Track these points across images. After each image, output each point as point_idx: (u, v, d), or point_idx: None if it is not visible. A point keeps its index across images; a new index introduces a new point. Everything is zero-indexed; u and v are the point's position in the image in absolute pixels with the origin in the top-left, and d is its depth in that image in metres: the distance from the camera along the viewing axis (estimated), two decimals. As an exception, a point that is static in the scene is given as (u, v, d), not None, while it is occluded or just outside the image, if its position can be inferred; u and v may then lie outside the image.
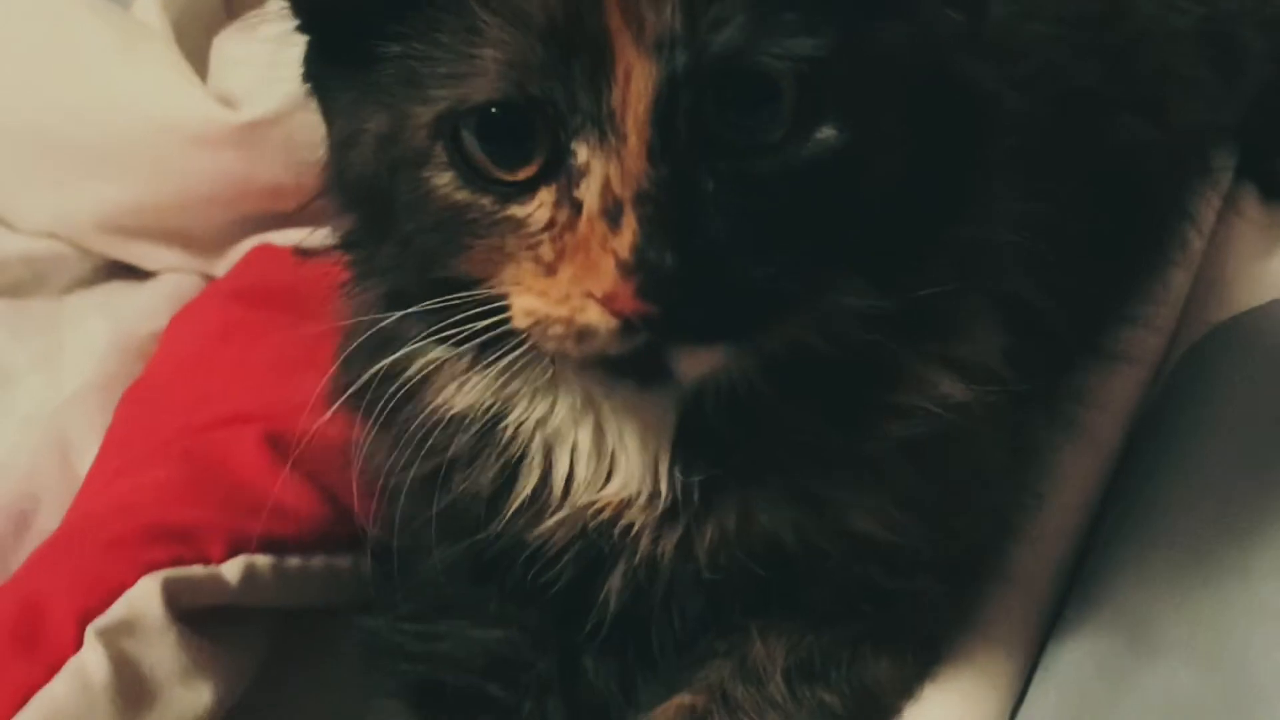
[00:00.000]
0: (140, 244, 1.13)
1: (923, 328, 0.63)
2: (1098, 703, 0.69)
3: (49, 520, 0.87)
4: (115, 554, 0.72)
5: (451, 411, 0.65)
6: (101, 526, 0.76)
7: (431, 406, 0.65)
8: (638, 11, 0.51)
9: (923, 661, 0.72)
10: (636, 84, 0.51)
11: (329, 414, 0.70)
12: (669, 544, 0.65)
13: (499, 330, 0.57)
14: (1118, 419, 0.89)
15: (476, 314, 0.57)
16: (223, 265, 1.12)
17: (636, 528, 0.65)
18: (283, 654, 0.77)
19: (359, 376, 0.67)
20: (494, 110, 0.53)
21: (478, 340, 0.58)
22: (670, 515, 0.65)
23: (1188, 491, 0.80)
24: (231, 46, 1.15)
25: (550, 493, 0.66)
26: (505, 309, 0.56)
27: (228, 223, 1.10)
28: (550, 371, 0.61)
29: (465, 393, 0.64)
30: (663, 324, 0.52)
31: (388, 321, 0.64)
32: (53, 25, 1.12)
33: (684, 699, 0.69)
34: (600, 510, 0.65)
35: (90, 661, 0.67)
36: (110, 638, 0.69)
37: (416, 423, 0.65)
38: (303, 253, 0.91)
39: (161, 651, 0.69)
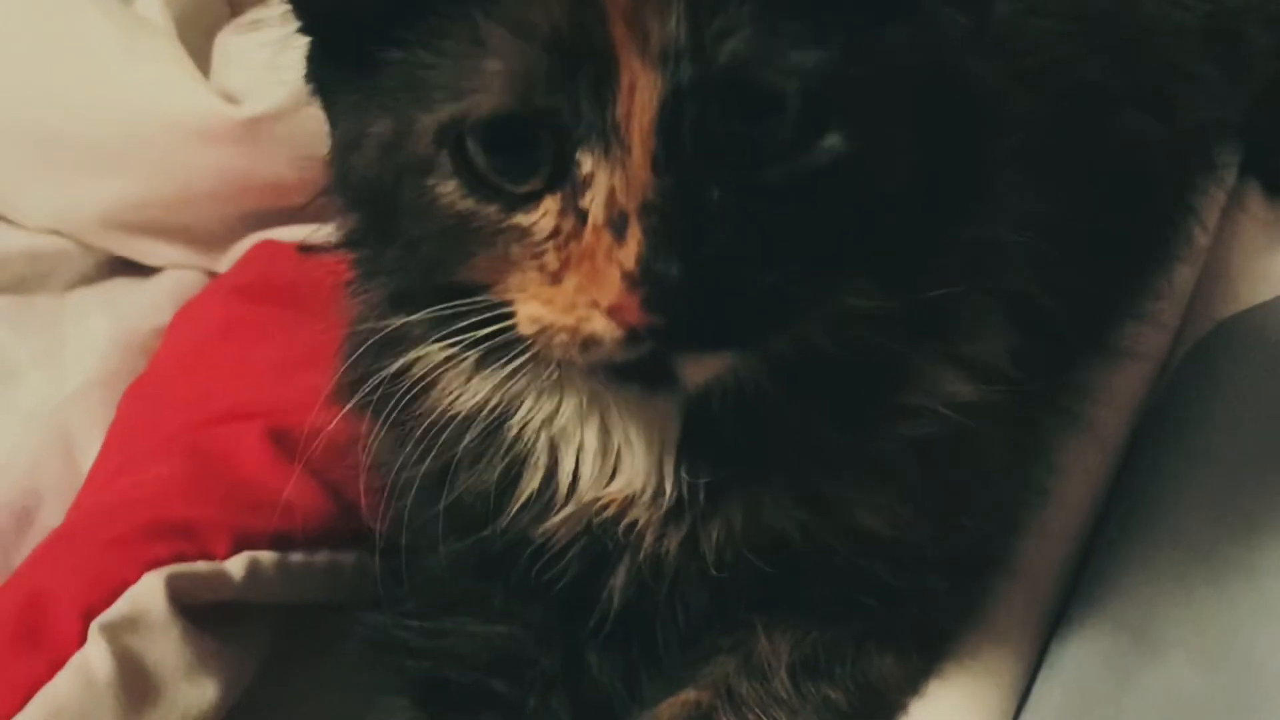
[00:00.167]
0: (143, 240, 1.13)
1: (930, 327, 0.63)
2: (1102, 700, 0.69)
3: (52, 517, 0.87)
4: (119, 550, 0.72)
5: (457, 411, 0.65)
6: (105, 523, 0.75)
7: (437, 406, 0.65)
8: (643, 23, 0.51)
9: (927, 658, 0.72)
10: (641, 96, 0.51)
11: (334, 413, 0.70)
12: (674, 541, 0.65)
13: (504, 336, 0.57)
14: (1123, 415, 0.89)
15: (482, 320, 0.57)
16: (225, 261, 1.12)
17: (640, 525, 0.65)
18: (286, 650, 0.77)
19: (364, 376, 0.67)
20: (498, 121, 0.53)
21: (483, 346, 0.58)
22: (675, 513, 0.65)
23: (1193, 488, 0.80)
24: (234, 42, 1.15)
25: (556, 490, 0.65)
26: (510, 315, 0.56)
27: (230, 219, 1.10)
28: (556, 373, 0.61)
29: (471, 393, 0.64)
30: (668, 333, 0.52)
31: (393, 321, 0.65)
32: (55, 21, 1.12)
33: (689, 695, 0.69)
34: (605, 507, 0.65)
35: (94, 657, 0.67)
36: (114, 634, 0.68)
37: (422, 422, 0.65)
38: (306, 249, 0.91)
39: (165, 647, 0.69)
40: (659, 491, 0.64)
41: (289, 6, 0.58)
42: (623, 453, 0.64)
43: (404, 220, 0.58)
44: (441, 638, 0.73)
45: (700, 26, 0.50)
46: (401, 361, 0.63)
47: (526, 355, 0.57)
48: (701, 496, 0.64)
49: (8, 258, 1.13)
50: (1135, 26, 0.89)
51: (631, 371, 0.55)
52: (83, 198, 1.11)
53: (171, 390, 0.93)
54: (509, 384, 0.62)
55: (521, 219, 0.54)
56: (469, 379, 0.64)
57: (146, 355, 1.01)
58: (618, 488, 0.65)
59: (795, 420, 0.63)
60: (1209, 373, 0.91)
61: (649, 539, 0.65)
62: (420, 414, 0.65)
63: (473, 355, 0.61)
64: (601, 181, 0.52)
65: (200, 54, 1.12)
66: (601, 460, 0.65)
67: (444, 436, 0.64)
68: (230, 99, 1.06)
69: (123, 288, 1.13)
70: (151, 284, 1.12)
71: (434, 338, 0.61)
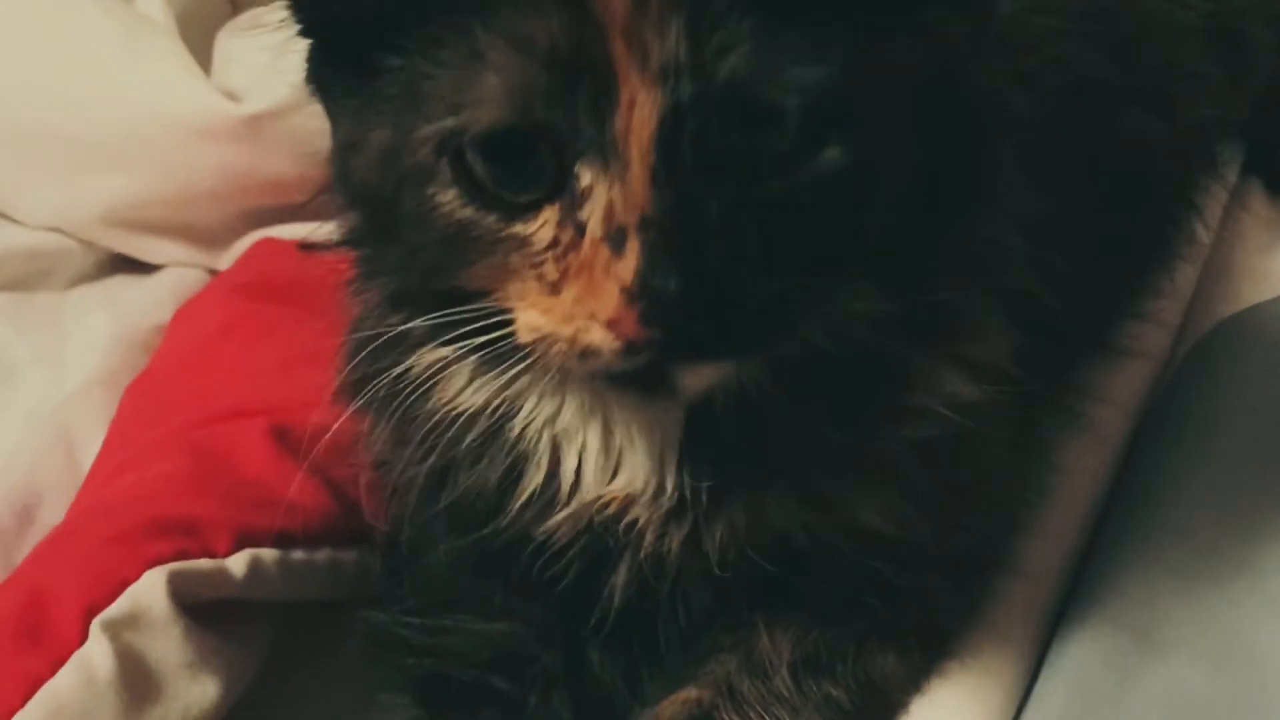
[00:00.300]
0: (144, 238, 1.13)
1: (932, 328, 0.63)
2: (1105, 699, 0.69)
3: (53, 514, 0.87)
4: (120, 547, 0.72)
5: (459, 411, 0.65)
6: (106, 520, 0.75)
7: (439, 406, 0.65)
8: (642, 40, 0.50)
9: (929, 656, 0.72)
10: (640, 112, 0.51)
11: (336, 411, 0.70)
12: (675, 540, 0.65)
13: (504, 343, 0.57)
14: (1124, 414, 0.89)
15: (481, 327, 0.57)
16: (226, 259, 1.12)
17: (641, 523, 0.65)
18: (288, 648, 0.77)
19: (366, 375, 0.67)
20: (498, 134, 0.53)
21: (483, 351, 0.58)
22: (677, 512, 0.65)
23: (1194, 487, 0.80)
24: (235, 40, 1.15)
25: (558, 489, 0.65)
26: (509, 322, 0.56)
27: (231, 217, 1.10)
28: (557, 376, 0.61)
29: (472, 393, 0.64)
30: (666, 345, 0.52)
31: (394, 321, 0.65)
32: (56, 19, 1.12)
33: (690, 693, 0.69)
34: (606, 506, 0.65)
35: (95, 655, 0.67)
36: (115, 631, 0.68)
37: (424, 422, 0.65)
38: (307, 247, 0.91)
39: (167, 645, 0.69)
40: (660, 491, 0.64)
41: (289, 10, 0.58)
42: (624, 452, 0.64)
43: (404, 226, 0.58)
44: (442, 635, 0.73)
45: (700, 43, 0.50)
46: (403, 362, 0.63)
47: (526, 361, 0.57)
48: (704, 497, 0.64)
49: (9, 255, 1.13)
50: (1137, 25, 0.89)
51: (629, 379, 0.55)
52: (84, 196, 1.11)
53: (173, 388, 0.93)
54: (510, 386, 0.62)
55: (520, 229, 0.54)
56: (470, 380, 0.64)
57: (148, 353, 1.01)
58: (619, 486, 0.65)
59: (797, 421, 0.63)
60: (1210, 371, 0.91)
61: (650, 538, 0.65)
62: (422, 414, 0.65)
63: (473, 358, 0.61)
64: (600, 195, 0.52)
65: (201, 52, 1.12)
66: (604, 459, 0.65)
67: (446, 436, 0.65)
68: (231, 97, 1.07)
69: (123, 285, 1.13)
70: (152, 282, 1.12)
71: (435, 342, 0.61)
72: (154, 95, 1.07)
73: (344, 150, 0.60)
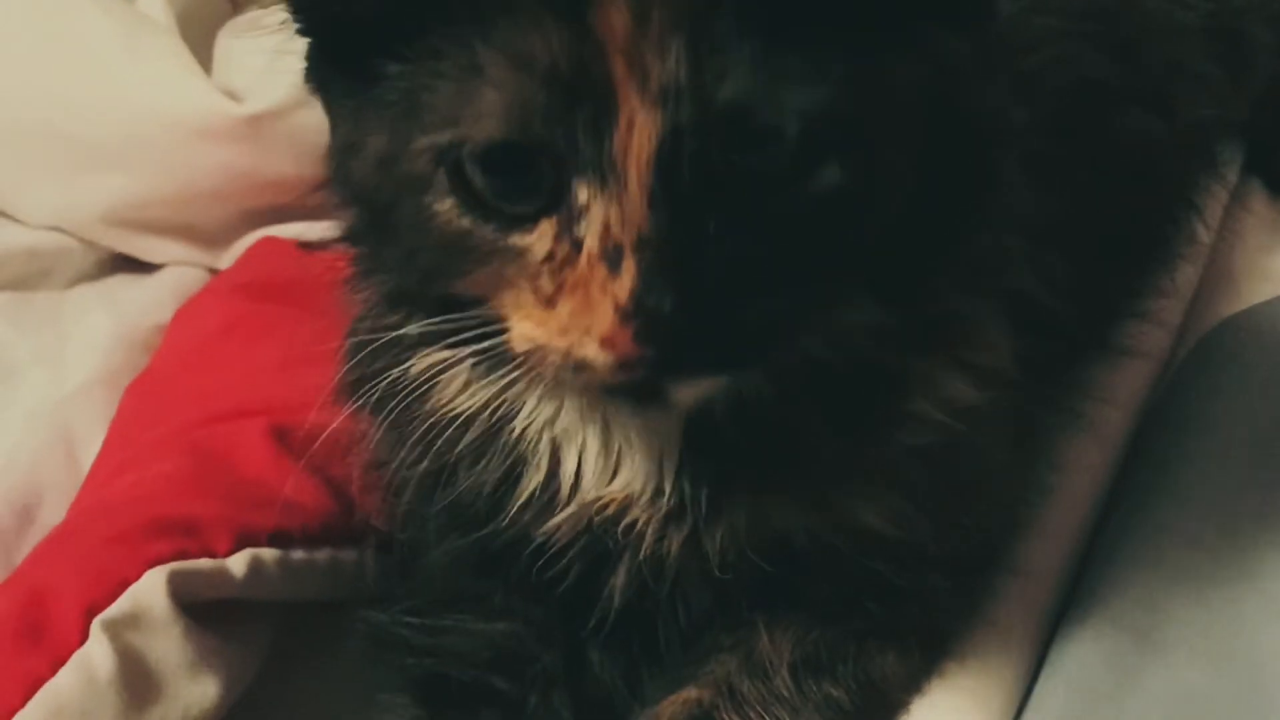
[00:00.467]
0: (145, 237, 1.13)
1: (932, 334, 0.63)
2: (1105, 699, 0.69)
3: (53, 514, 0.87)
4: (120, 547, 0.72)
5: (457, 413, 0.65)
6: (106, 520, 0.75)
7: (437, 407, 0.65)
8: (642, 61, 0.50)
9: (929, 656, 0.72)
10: (640, 134, 0.51)
11: (336, 411, 0.70)
12: (675, 542, 0.65)
13: (499, 350, 0.57)
14: (1125, 414, 0.89)
15: (477, 335, 0.58)
16: (227, 258, 1.12)
17: (640, 525, 0.65)
18: (288, 648, 0.77)
19: (364, 374, 0.67)
20: (496, 148, 0.53)
21: (479, 357, 0.58)
22: (677, 514, 0.65)
23: (1195, 487, 0.80)
24: (236, 40, 1.15)
25: (558, 489, 0.66)
26: (505, 330, 0.57)
27: (232, 216, 1.10)
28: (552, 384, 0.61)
29: (470, 395, 0.64)
30: (660, 363, 0.52)
31: (392, 320, 0.65)
32: (57, 18, 1.12)
33: (690, 693, 0.69)
34: (605, 507, 0.65)
35: (96, 654, 0.67)
36: (116, 631, 0.68)
37: (422, 423, 0.65)
38: (308, 246, 0.92)
39: (167, 645, 0.69)
40: (659, 493, 0.64)
41: (289, 11, 0.58)
42: (623, 453, 0.65)
43: (402, 230, 0.58)
44: (442, 635, 0.73)
45: (700, 65, 0.50)
46: (401, 364, 0.63)
47: (522, 367, 0.57)
48: (704, 500, 0.64)
49: (9, 255, 1.13)
50: (1137, 24, 0.89)
51: (623, 391, 0.55)
52: (84, 195, 1.11)
53: (173, 387, 0.93)
54: (508, 389, 0.62)
55: (517, 240, 0.54)
56: (468, 382, 0.64)
57: (148, 352, 1.01)
58: (617, 487, 0.65)
59: (796, 427, 0.63)
60: (1211, 371, 0.91)
61: (649, 539, 0.65)
62: (420, 415, 0.65)
63: (470, 361, 0.61)
64: (597, 213, 0.52)
65: (202, 51, 1.12)
66: (603, 461, 0.65)
67: (444, 437, 0.65)
68: (232, 96, 1.06)
69: (124, 285, 1.13)
70: (153, 281, 1.12)
71: (432, 345, 0.62)
72: (155, 95, 1.07)
73: (342, 150, 0.60)
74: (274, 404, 0.84)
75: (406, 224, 0.57)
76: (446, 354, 0.62)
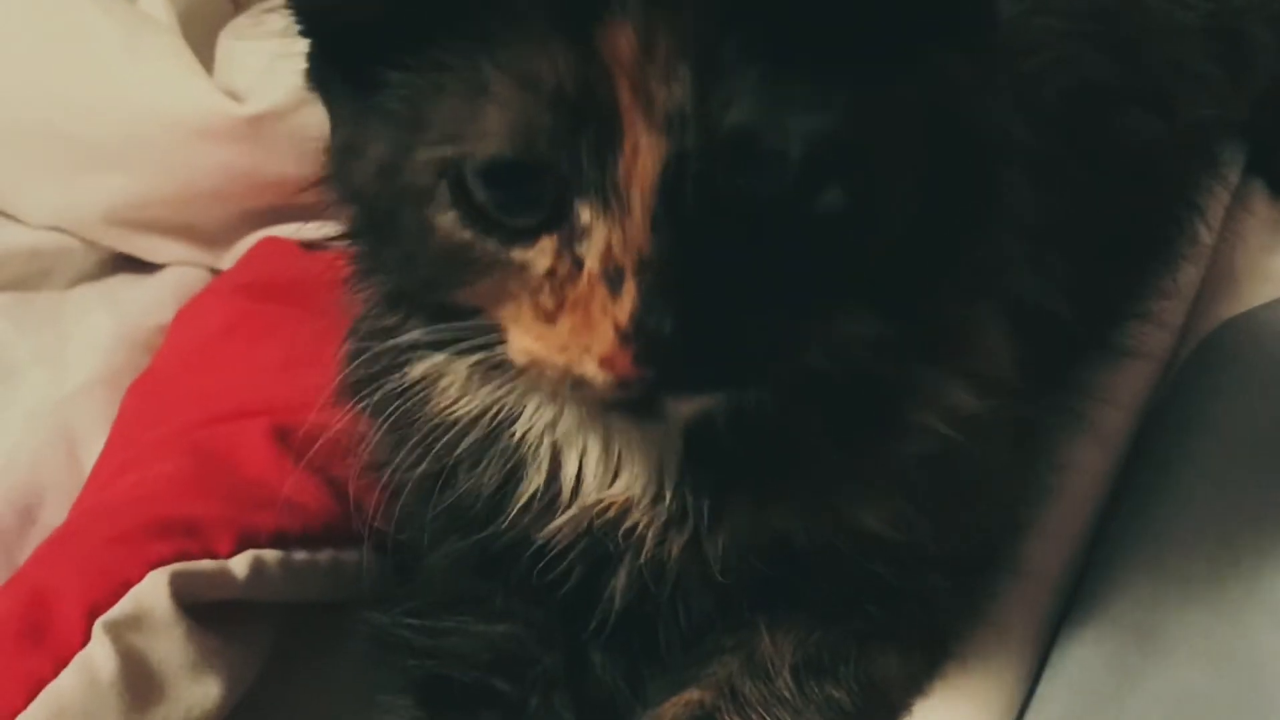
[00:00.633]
0: (146, 237, 1.13)
1: (933, 344, 0.63)
2: (1107, 701, 0.69)
3: (54, 514, 0.87)
4: (122, 548, 0.72)
5: (457, 416, 0.65)
6: (108, 520, 0.75)
7: (437, 410, 0.65)
8: (648, 87, 0.50)
9: (931, 657, 0.72)
10: (644, 159, 0.50)
11: (337, 412, 0.70)
12: (675, 546, 0.65)
13: (498, 359, 0.57)
14: (1127, 415, 0.89)
15: (476, 344, 0.58)
16: (228, 258, 1.12)
17: (640, 529, 0.65)
18: (289, 649, 0.77)
19: (364, 376, 0.67)
20: (499, 164, 0.52)
21: (478, 365, 0.59)
22: (678, 518, 0.65)
23: (1197, 488, 0.80)
24: (237, 40, 1.15)
25: (558, 492, 0.66)
26: (504, 340, 0.57)
27: (233, 216, 1.10)
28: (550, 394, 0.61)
29: (470, 399, 0.64)
30: (658, 382, 0.53)
31: (392, 321, 0.65)
32: (58, 18, 1.12)
33: (692, 695, 0.69)
34: (605, 510, 0.65)
35: (98, 656, 0.67)
36: (118, 632, 0.68)
37: (422, 425, 0.65)
38: (310, 245, 0.91)
39: (169, 646, 0.69)
40: (659, 497, 0.64)
41: (291, 15, 0.58)
42: (624, 457, 0.65)
43: (402, 238, 0.58)
44: (444, 637, 0.73)
45: (705, 91, 0.50)
46: (401, 367, 0.64)
47: (519, 377, 0.57)
48: (705, 506, 0.64)
49: (10, 254, 1.13)
50: (1138, 25, 0.89)
51: (620, 406, 0.55)
52: (85, 195, 1.11)
53: (175, 388, 0.93)
54: (507, 395, 0.63)
55: (518, 254, 0.54)
56: (467, 386, 0.64)
57: (149, 353, 1.01)
58: (617, 491, 0.65)
59: (797, 435, 0.63)
60: (1213, 372, 0.91)
61: (650, 543, 0.65)
62: (420, 417, 0.65)
63: (469, 366, 0.61)
64: (599, 235, 0.52)
65: (203, 51, 1.12)
66: (604, 464, 0.65)
67: (443, 440, 0.65)
68: (234, 96, 1.06)
69: (125, 285, 1.13)
70: (154, 281, 1.12)
71: (431, 350, 0.62)
72: (156, 94, 1.07)
73: (342, 150, 0.60)
74: (275, 404, 0.84)
75: (407, 233, 0.57)
76: (445, 359, 0.62)
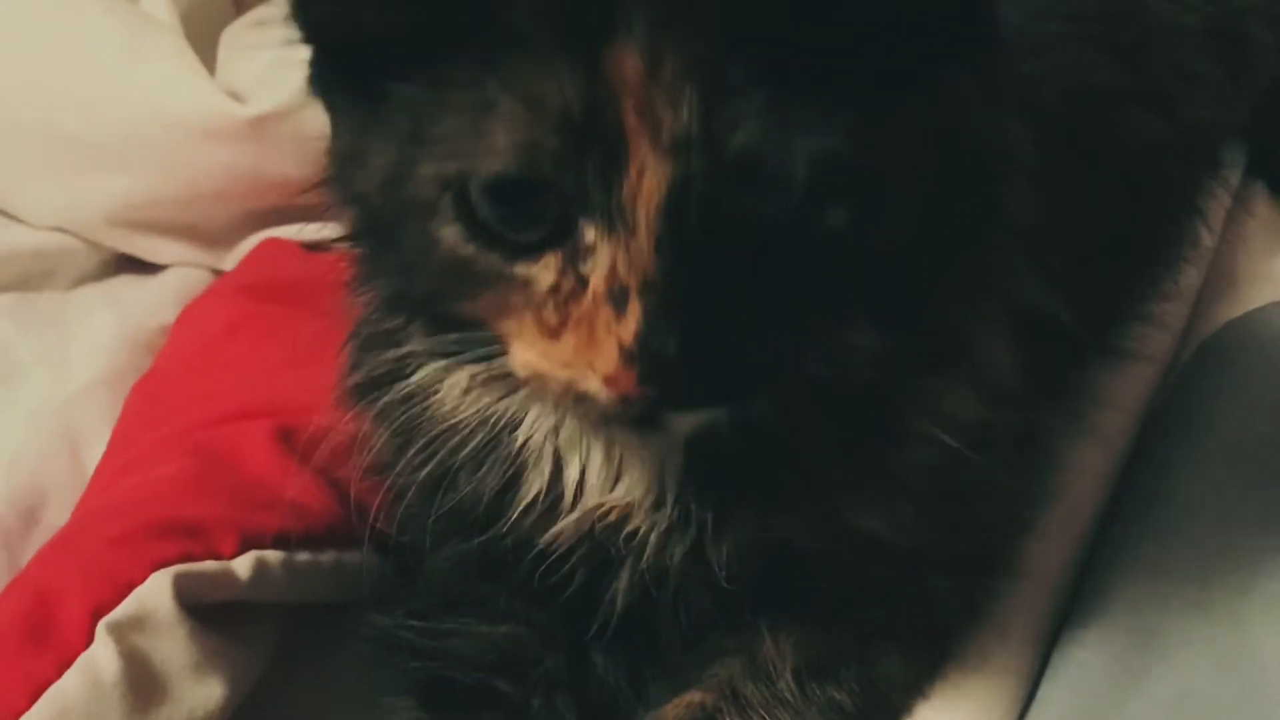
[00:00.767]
0: (148, 238, 1.13)
1: (934, 353, 0.64)
2: (1109, 702, 0.69)
3: (57, 515, 0.87)
4: (125, 549, 0.72)
5: (459, 420, 0.65)
6: (111, 521, 0.75)
7: (439, 414, 0.65)
8: (654, 110, 0.50)
9: (933, 659, 0.72)
10: (650, 182, 0.51)
11: (339, 413, 0.70)
12: (677, 550, 0.65)
13: (500, 370, 0.58)
14: (1128, 417, 0.89)
15: (479, 355, 0.58)
16: (231, 259, 1.12)
17: (642, 533, 0.65)
18: (292, 650, 0.77)
19: (366, 379, 0.67)
20: (504, 182, 0.52)
21: (480, 374, 0.59)
22: (680, 523, 0.65)
23: (1198, 489, 0.80)
24: (239, 40, 1.15)
25: (560, 496, 0.66)
26: (506, 351, 0.57)
27: (236, 217, 1.10)
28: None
29: (472, 404, 0.64)
30: (661, 399, 0.53)
31: (393, 325, 0.65)
32: (60, 18, 1.12)
33: (694, 696, 0.69)
34: (606, 514, 0.66)
35: (101, 657, 0.67)
36: (121, 633, 0.68)
37: (424, 428, 0.65)
38: (312, 246, 0.91)
39: (172, 647, 0.69)
40: (660, 503, 0.65)
41: (296, 25, 0.57)
42: (625, 462, 0.65)
43: (405, 249, 0.58)
44: (446, 638, 0.73)
45: (711, 114, 0.50)
46: (404, 371, 0.64)
47: (521, 387, 0.58)
48: (707, 512, 0.64)
49: (13, 255, 1.13)
50: (1140, 28, 0.89)
51: (623, 419, 0.55)
52: (88, 195, 1.11)
53: (177, 389, 0.93)
54: (510, 401, 0.63)
55: (522, 270, 0.54)
56: (469, 391, 0.64)
57: (152, 353, 1.01)
58: (619, 495, 0.65)
59: (799, 444, 0.63)
60: (1214, 374, 0.91)
61: (651, 547, 0.65)
62: (422, 421, 0.65)
63: (471, 373, 0.61)
64: (604, 255, 0.52)
65: (205, 52, 1.12)
66: (606, 469, 0.65)
67: (445, 444, 0.65)
68: (236, 97, 1.06)
69: (128, 285, 1.13)
70: (156, 281, 1.12)
71: (434, 355, 0.62)
72: (158, 95, 1.07)
73: (344, 157, 0.60)
74: (278, 405, 0.85)
75: (409, 244, 0.57)
76: (447, 365, 0.62)
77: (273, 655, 0.76)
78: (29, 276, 1.13)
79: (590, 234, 0.52)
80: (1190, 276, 1.00)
